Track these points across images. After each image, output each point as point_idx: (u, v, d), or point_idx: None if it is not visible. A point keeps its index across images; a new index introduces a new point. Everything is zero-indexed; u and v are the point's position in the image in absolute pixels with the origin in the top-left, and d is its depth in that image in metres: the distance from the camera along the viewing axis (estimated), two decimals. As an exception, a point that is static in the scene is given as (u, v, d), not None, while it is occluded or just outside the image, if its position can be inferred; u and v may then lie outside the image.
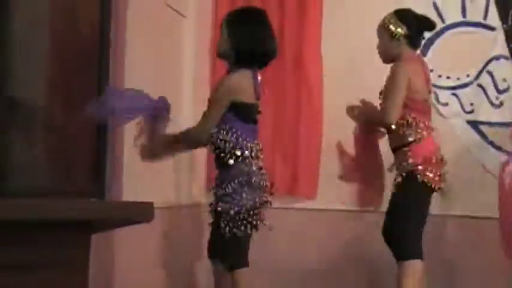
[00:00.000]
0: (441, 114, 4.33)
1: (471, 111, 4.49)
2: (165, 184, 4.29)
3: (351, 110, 3.82)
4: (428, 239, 3.75)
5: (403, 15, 3.71)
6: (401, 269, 3.49)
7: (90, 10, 1.90)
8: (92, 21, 2.00)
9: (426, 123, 3.68)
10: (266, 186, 3.30)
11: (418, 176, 3.57)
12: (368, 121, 3.76)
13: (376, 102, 3.85)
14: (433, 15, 4.48)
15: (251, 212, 3.23)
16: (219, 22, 4.81)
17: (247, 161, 3.26)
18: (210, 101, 3.41)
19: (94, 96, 2.03)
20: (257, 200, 3.23)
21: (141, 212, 1.62)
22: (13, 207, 1.36)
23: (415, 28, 3.71)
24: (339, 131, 4.50)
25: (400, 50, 3.67)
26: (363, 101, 3.76)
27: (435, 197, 3.76)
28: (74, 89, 2.00)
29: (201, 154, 4.44)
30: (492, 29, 4.46)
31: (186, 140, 3.43)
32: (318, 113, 4.63)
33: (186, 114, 4.56)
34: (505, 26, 4.43)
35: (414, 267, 3.48)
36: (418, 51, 3.90)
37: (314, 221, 4.64)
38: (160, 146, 3.35)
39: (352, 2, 4.64)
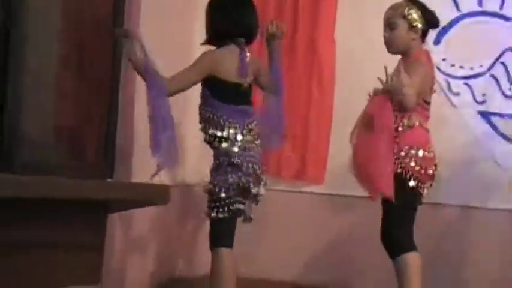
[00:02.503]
0: (452, 104, 4.27)
1: (483, 102, 4.43)
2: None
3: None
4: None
5: (420, 6, 3.40)
6: (403, 263, 3.36)
7: None
8: (107, 2, 1.95)
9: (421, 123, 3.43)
10: (253, 170, 3.23)
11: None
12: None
13: None
14: (449, 4, 4.46)
15: (233, 195, 3.20)
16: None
17: (229, 142, 3.21)
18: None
19: (107, 76, 1.99)
20: (241, 184, 3.19)
21: (158, 194, 1.60)
22: (30, 185, 1.33)
23: (429, 23, 3.43)
24: (348, 117, 4.48)
25: (414, 42, 3.36)
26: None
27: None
28: (86, 69, 1.96)
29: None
30: (508, 19, 4.38)
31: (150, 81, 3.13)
32: (328, 98, 4.58)
33: (195, 94, 4.53)
34: (521, 16, 4.38)
35: (414, 260, 3.37)
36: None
37: (321, 206, 4.63)
38: (139, 62, 3.00)
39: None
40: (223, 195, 3.18)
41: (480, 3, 4.44)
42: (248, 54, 3.30)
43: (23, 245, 1.43)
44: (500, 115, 4.39)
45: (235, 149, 3.21)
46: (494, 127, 4.40)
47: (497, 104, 4.39)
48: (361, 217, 4.18)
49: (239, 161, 3.20)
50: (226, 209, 3.20)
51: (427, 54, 3.46)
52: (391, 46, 3.41)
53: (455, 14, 4.44)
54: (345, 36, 4.59)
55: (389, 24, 3.37)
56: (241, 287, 3.50)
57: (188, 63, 4.48)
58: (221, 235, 3.26)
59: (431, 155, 3.36)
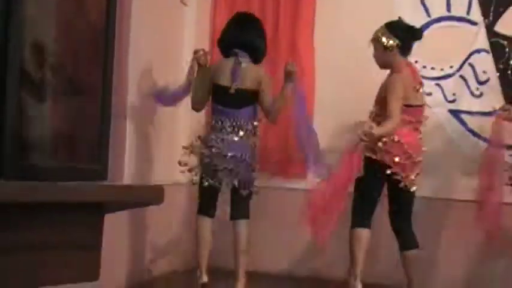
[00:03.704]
0: (425, 104, 4.28)
1: (453, 101, 4.46)
2: (165, 162, 4.23)
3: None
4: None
5: (394, 28, 3.74)
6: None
7: (98, 1, 1.84)
8: (98, 11, 1.94)
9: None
10: (225, 155, 3.55)
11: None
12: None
13: (365, 93, 3.82)
14: (420, 10, 4.48)
15: (206, 170, 3.58)
16: (218, 12, 4.77)
17: (212, 131, 3.62)
18: None
19: (100, 82, 1.99)
20: (215, 162, 3.55)
21: (152, 195, 1.58)
22: (30, 190, 1.31)
23: (405, 38, 3.72)
24: (329, 115, 4.49)
25: (393, 59, 3.70)
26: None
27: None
28: (80, 75, 1.94)
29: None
30: (474, 23, 4.42)
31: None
32: (310, 98, 4.56)
33: (185, 108, 4.52)
34: (486, 21, 4.39)
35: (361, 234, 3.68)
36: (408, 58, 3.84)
37: (303, 200, 4.62)
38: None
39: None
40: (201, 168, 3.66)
41: (448, 9, 4.47)
42: (244, 64, 3.54)
43: (25, 245, 1.43)
44: (469, 113, 4.41)
45: (212, 136, 3.62)
46: (463, 124, 4.42)
47: (466, 102, 4.42)
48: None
49: (212, 144, 3.60)
50: (204, 180, 3.63)
51: (407, 64, 3.77)
52: (377, 63, 3.81)
53: (425, 19, 4.46)
54: (323, 39, 4.58)
55: (372, 45, 3.79)
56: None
57: (178, 58, 4.49)
58: (201, 202, 3.70)
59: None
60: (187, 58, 4.58)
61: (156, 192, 1.55)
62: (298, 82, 3.73)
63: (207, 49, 4.68)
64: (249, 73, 3.55)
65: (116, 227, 3.62)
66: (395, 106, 3.54)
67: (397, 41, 3.67)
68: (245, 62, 3.55)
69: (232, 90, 3.51)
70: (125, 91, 3.80)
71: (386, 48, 3.69)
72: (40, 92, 1.70)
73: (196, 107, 3.76)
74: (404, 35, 3.73)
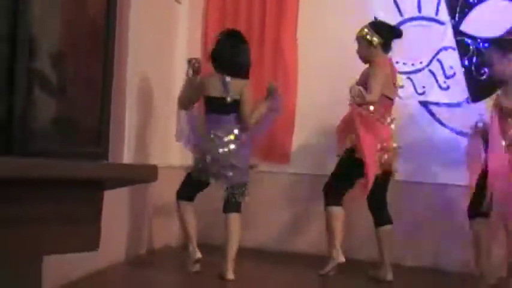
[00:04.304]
0: (398, 95, 4.32)
1: (423, 93, 4.49)
2: (160, 147, 4.26)
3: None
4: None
5: (378, 27, 3.84)
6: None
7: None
8: (99, 8, 1.95)
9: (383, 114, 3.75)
10: (217, 160, 3.63)
11: None
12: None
13: (345, 87, 3.77)
14: (393, 10, 4.51)
15: (200, 172, 3.66)
16: (210, 9, 4.78)
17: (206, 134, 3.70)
18: None
19: (101, 72, 2.00)
20: (208, 167, 3.63)
21: (147, 174, 1.61)
22: (35, 165, 1.34)
23: (387, 37, 3.81)
24: (311, 106, 4.53)
25: (376, 54, 3.78)
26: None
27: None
28: (81, 64, 1.95)
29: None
30: (442, 23, 4.45)
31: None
32: (292, 89, 4.60)
33: (178, 89, 4.52)
34: (453, 21, 4.42)
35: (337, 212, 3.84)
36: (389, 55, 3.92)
37: (286, 183, 4.67)
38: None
39: (324, 1, 4.60)
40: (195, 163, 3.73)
41: (419, 9, 4.50)
42: (228, 79, 3.63)
43: (32, 217, 1.44)
44: (437, 104, 4.45)
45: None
46: (432, 114, 4.47)
47: (434, 95, 4.46)
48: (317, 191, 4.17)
49: (203, 143, 3.69)
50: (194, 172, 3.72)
51: (388, 60, 3.86)
52: (360, 58, 3.86)
53: (399, 18, 4.49)
54: (306, 36, 4.60)
55: (357, 41, 3.84)
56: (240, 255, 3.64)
57: (172, 54, 4.48)
58: (181, 188, 3.76)
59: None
60: (181, 50, 4.63)
61: (150, 171, 1.58)
62: (278, 99, 3.85)
63: (199, 45, 4.74)
64: (234, 87, 3.64)
65: (117, 207, 3.68)
66: (375, 86, 3.62)
67: (380, 39, 3.77)
68: (229, 77, 3.64)
69: (228, 100, 3.62)
70: (123, 82, 3.82)
71: (371, 44, 3.77)
72: (46, 82, 1.71)
73: (183, 108, 3.81)
74: (386, 33, 3.83)
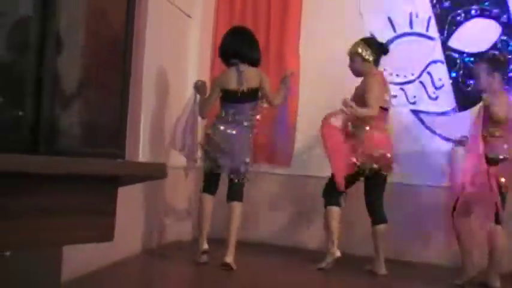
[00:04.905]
0: (391, 104, 4.35)
1: (414, 102, 4.51)
2: (173, 150, 4.28)
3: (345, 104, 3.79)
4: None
5: (370, 43, 3.87)
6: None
7: (119, 13, 1.88)
8: (119, 21, 1.98)
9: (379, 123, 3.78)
10: (223, 147, 3.67)
11: None
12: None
13: (342, 94, 3.82)
14: (387, 26, 4.54)
15: (210, 156, 3.71)
16: (219, 23, 4.82)
17: (217, 121, 3.75)
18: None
19: (120, 80, 2.01)
20: (215, 152, 3.67)
21: (158, 171, 1.63)
22: (60, 164, 1.37)
23: (378, 52, 3.85)
24: (311, 113, 4.54)
25: (369, 69, 3.81)
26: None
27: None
28: (102, 72, 1.97)
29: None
30: (432, 39, 4.47)
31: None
32: (294, 97, 4.63)
33: (189, 95, 4.57)
34: (441, 37, 4.45)
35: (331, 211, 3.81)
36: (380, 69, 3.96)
37: (288, 184, 4.69)
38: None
39: (325, 15, 4.64)
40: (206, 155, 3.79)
41: (411, 26, 4.53)
42: (244, 69, 3.66)
43: (53, 209, 1.46)
44: (427, 113, 4.47)
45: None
46: (422, 122, 4.49)
47: (424, 104, 4.48)
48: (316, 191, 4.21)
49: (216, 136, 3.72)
50: (206, 165, 3.77)
51: (380, 73, 3.90)
52: (353, 72, 3.88)
53: (392, 34, 4.52)
54: (307, 48, 4.64)
55: (350, 58, 3.87)
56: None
57: (184, 66, 4.50)
58: (203, 183, 3.79)
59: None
60: (193, 60, 4.68)
61: (160, 169, 1.61)
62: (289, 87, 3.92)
63: (209, 55, 4.77)
64: (250, 75, 3.67)
65: (133, 203, 3.72)
66: (373, 101, 3.67)
67: (373, 54, 3.81)
68: (243, 68, 3.65)
69: (243, 89, 3.66)
70: (140, 88, 3.86)
71: (364, 60, 3.80)
72: (70, 87, 1.74)
73: (204, 116, 3.94)
74: (377, 49, 3.86)
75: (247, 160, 3.71)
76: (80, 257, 2.81)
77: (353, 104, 3.60)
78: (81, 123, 1.71)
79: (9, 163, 1.28)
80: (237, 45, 3.69)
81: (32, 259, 1.96)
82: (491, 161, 3.51)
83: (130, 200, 3.66)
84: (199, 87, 3.86)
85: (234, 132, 3.65)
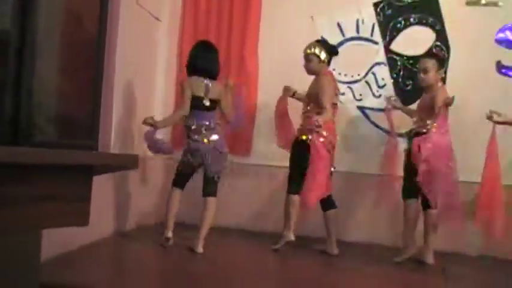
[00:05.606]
0: (340, 101, 4.42)
1: (360, 100, 4.58)
2: (142, 140, 4.25)
3: (287, 91, 4.08)
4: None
5: (324, 46, 3.91)
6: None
7: (93, 16, 1.86)
8: (93, 23, 1.95)
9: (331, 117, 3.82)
10: (198, 151, 3.66)
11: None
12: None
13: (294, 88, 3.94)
14: (337, 31, 4.60)
15: (185, 163, 3.69)
16: (185, 26, 4.78)
17: (190, 132, 3.71)
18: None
19: (93, 75, 1.99)
20: (191, 159, 3.67)
21: (129, 161, 1.63)
22: (37, 154, 1.36)
23: (331, 54, 3.91)
24: (269, 108, 4.56)
25: (322, 68, 3.87)
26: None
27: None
28: (77, 70, 1.95)
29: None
30: (376, 43, 4.56)
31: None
32: (253, 93, 4.65)
33: (157, 101, 4.53)
34: (384, 41, 4.53)
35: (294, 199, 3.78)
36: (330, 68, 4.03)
37: (248, 173, 4.70)
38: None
39: (281, 19, 4.66)
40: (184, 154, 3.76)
41: (358, 31, 4.59)
42: (208, 82, 3.68)
43: (31, 197, 1.46)
44: (372, 109, 4.55)
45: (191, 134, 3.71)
46: (367, 117, 4.57)
47: (369, 101, 4.56)
48: (275, 181, 4.26)
49: (190, 141, 3.68)
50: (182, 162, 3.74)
51: (331, 73, 3.96)
52: (308, 71, 3.90)
53: (341, 38, 4.58)
54: (265, 48, 4.66)
55: (306, 58, 3.89)
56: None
57: (153, 64, 4.43)
58: (174, 177, 3.76)
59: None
60: (161, 59, 4.65)
61: (132, 159, 1.61)
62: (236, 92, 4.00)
63: (175, 57, 4.73)
64: (213, 89, 3.70)
65: (104, 190, 3.68)
66: (327, 103, 3.73)
67: (327, 55, 3.86)
68: (208, 81, 3.69)
69: (206, 102, 3.67)
70: (111, 86, 3.81)
71: (320, 60, 3.84)
72: (47, 84, 1.71)
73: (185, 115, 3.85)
74: (330, 51, 3.91)
75: (223, 163, 3.74)
76: (58, 238, 2.78)
77: (319, 120, 3.60)
78: (57, 117, 1.69)
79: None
80: (206, 64, 3.71)
81: (12, 240, 1.94)
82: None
83: (103, 188, 3.63)
84: (147, 122, 3.72)
85: (205, 140, 3.67)
